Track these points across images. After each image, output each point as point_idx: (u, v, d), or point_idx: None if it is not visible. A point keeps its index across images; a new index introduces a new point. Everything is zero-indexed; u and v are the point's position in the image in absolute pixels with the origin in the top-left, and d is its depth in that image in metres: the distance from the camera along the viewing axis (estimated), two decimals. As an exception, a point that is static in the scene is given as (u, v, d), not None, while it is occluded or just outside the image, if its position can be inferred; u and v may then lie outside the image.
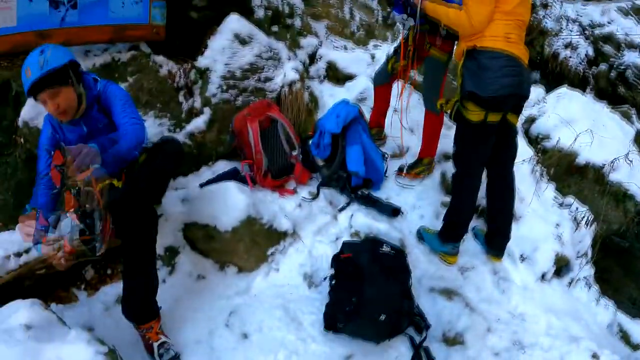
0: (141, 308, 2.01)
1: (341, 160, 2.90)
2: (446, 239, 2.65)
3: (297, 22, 4.37)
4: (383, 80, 3.22)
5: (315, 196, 2.82)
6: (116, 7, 2.81)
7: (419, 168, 3.14)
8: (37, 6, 2.57)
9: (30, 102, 2.59)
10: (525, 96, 2.43)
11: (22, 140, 2.62)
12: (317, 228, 2.68)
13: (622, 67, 6.22)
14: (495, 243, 2.77)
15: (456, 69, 2.53)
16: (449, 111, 2.48)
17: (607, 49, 6.37)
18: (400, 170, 3.18)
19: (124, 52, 2.95)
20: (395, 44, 3.12)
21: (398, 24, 2.82)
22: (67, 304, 2.30)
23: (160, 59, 3.10)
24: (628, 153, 3.86)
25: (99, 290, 2.33)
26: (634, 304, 4.17)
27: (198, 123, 2.99)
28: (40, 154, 2.13)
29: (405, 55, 2.85)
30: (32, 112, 2.58)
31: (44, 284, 2.30)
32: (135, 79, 2.91)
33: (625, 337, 2.94)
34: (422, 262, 2.63)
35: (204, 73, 3.16)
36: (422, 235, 2.77)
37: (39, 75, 1.88)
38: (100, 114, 2.13)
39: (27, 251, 2.22)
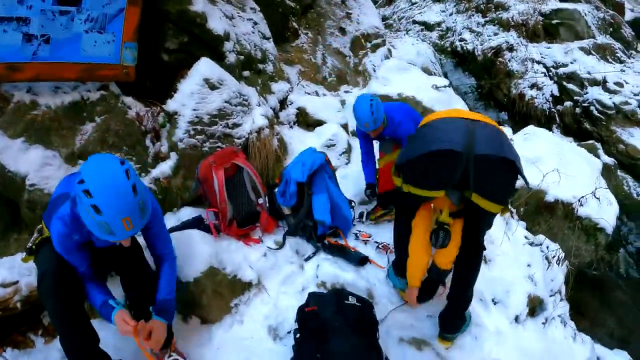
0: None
1: (307, 209, 2.86)
2: (396, 271, 2.62)
3: (269, 68, 4.38)
4: None
5: (281, 245, 2.77)
6: (88, 46, 2.78)
7: (380, 212, 3.11)
8: (10, 38, 2.54)
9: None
10: None
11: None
12: (283, 278, 2.62)
13: (586, 104, 6.50)
14: (446, 323, 2.50)
15: None
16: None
17: (571, 87, 6.66)
18: (360, 216, 3.15)
19: (93, 92, 2.92)
20: None
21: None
22: (22, 349, 2.23)
23: (129, 100, 3.07)
24: (595, 190, 3.93)
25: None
26: (612, 335, 4.14)
27: (164, 168, 2.95)
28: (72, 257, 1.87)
29: None
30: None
31: (0, 327, 2.22)
32: (103, 120, 2.87)
33: (604, 370, 2.91)
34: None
35: (172, 117, 3.14)
36: (388, 273, 2.71)
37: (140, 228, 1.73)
38: None
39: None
